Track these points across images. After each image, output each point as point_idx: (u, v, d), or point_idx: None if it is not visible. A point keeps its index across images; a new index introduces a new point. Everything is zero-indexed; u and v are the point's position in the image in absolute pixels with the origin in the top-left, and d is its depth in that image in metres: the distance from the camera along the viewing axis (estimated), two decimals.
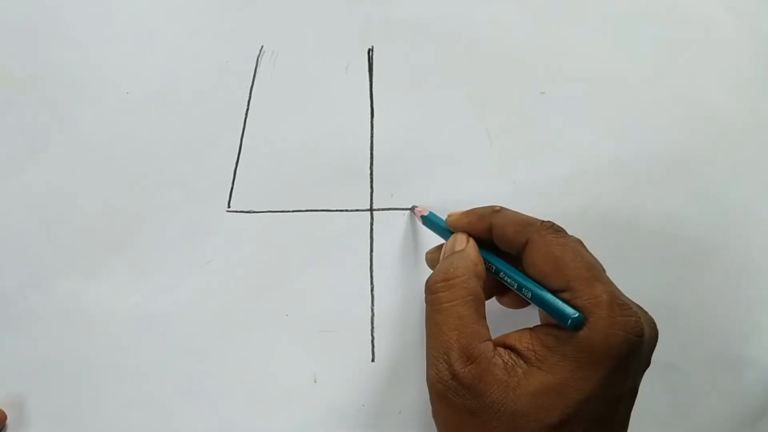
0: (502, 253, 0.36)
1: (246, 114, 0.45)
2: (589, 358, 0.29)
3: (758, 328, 0.43)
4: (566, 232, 0.34)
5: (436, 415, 0.33)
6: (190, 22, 0.46)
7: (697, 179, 0.44)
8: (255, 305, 0.43)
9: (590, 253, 0.33)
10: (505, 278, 0.35)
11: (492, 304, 0.37)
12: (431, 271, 0.35)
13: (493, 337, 0.33)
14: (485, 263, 0.36)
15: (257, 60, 0.45)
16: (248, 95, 0.45)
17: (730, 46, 0.45)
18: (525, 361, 0.31)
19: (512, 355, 0.31)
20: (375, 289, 0.43)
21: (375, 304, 0.43)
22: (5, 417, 0.43)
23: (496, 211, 0.36)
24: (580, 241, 0.34)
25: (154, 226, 0.44)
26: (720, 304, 0.43)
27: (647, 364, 0.32)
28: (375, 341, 0.43)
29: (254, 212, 0.44)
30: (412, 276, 0.43)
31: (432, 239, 0.43)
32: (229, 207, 0.44)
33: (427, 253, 0.40)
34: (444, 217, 0.39)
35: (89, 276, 0.44)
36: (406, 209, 0.44)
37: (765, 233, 0.43)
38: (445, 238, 0.38)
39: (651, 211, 0.43)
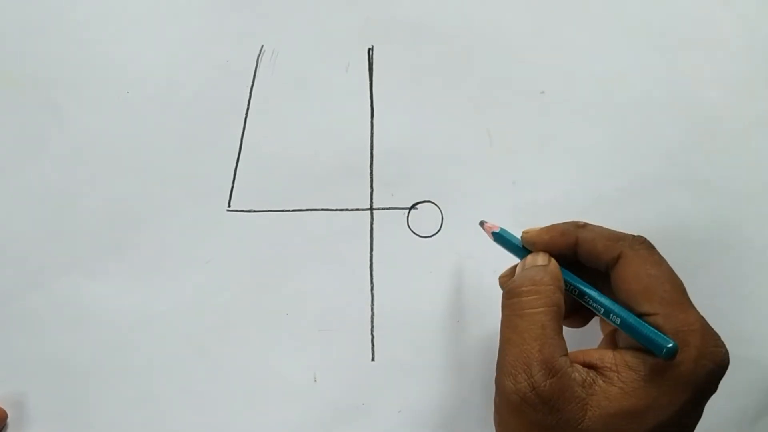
0: (582, 274, 0.34)
1: (246, 113, 0.45)
2: (675, 387, 0.29)
3: (758, 328, 0.43)
4: (656, 249, 0.33)
5: (505, 426, 0.32)
6: (190, 22, 0.46)
7: (697, 179, 0.44)
8: (255, 304, 0.43)
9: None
10: (591, 302, 0.33)
11: None
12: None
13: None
14: (567, 285, 0.34)
15: (257, 60, 0.45)
16: (248, 95, 0.45)
17: (730, 46, 0.45)
18: (604, 381, 0.30)
19: (590, 373, 0.30)
20: (375, 288, 0.43)
21: (375, 303, 0.43)
22: (6, 416, 0.43)
23: (581, 226, 0.35)
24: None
25: (154, 226, 0.44)
26: (720, 304, 0.43)
27: (715, 390, 0.31)
28: (375, 340, 0.43)
29: (254, 212, 0.44)
30: (413, 275, 0.43)
31: (433, 240, 0.43)
32: (229, 206, 0.44)
33: (500, 277, 0.37)
34: (517, 233, 0.37)
35: (89, 275, 0.44)
36: (406, 208, 0.44)
37: (765, 233, 0.43)
38: (520, 256, 0.37)
39: (651, 211, 0.43)
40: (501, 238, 0.38)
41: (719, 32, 0.45)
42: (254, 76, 0.45)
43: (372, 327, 0.43)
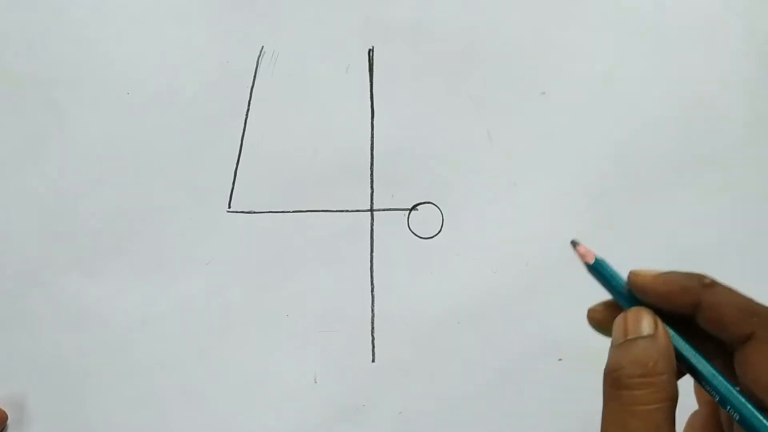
0: (693, 337, 0.29)
1: (246, 114, 0.45)
2: None
3: None
4: None
5: None
6: (191, 23, 0.46)
7: (697, 179, 0.44)
8: (255, 305, 0.43)
9: None
10: (705, 386, 0.28)
11: None
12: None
13: None
14: (677, 354, 0.28)
15: (258, 60, 0.45)
16: (249, 96, 0.45)
17: (730, 46, 0.45)
18: None
19: None
20: (375, 289, 0.43)
21: (375, 304, 0.43)
22: (6, 417, 0.43)
23: (707, 285, 0.28)
24: None
25: (155, 226, 0.44)
26: None
27: None
28: (375, 341, 0.43)
29: (254, 212, 0.44)
30: (413, 276, 0.43)
31: (434, 241, 0.43)
32: (229, 207, 0.44)
33: (590, 311, 0.31)
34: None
35: (90, 276, 0.44)
36: (406, 209, 0.44)
37: (765, 233, 0.43)
38: (619, 299, 0.29)
39: (651, 211, 0.43)
40: (599, 273, 0.30)
41: (719, 32, 0.45)
42: (254, 76, 0.45)
43: (372, 328, 0.43)
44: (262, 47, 0.45)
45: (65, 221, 0.44)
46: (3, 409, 0.43)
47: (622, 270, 0.29)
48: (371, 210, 0.44)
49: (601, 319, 0.30)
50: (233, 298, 0.43)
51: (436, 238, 0.43)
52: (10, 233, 0.45)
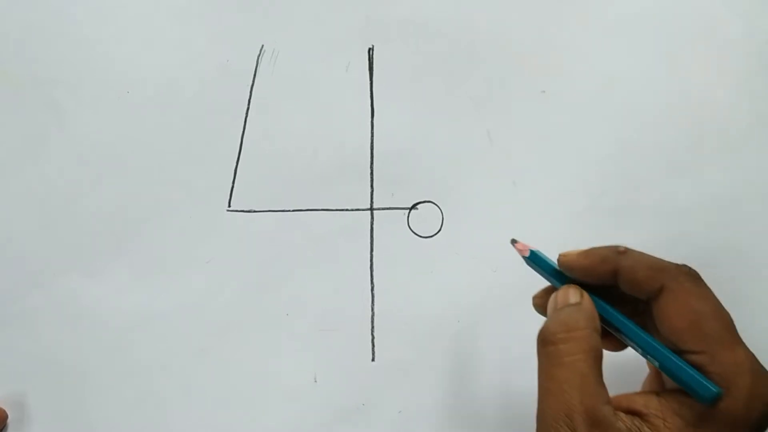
0: (615, 300, 0.33)
1: (246, 113, 0.45)
2: (727, 430, 0.28)
3: (758, 328, 0.43)
4: (703, 280, 0.31)
5: None
6: (191, 22, 0.46)
7: (698, 179, 0.44)
8: (255, 304, 0.43)
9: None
10: (628, 341, 0.32)
11: None
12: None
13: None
14: (603, 319, 0.32)
15: (258, 59, 0.45)
16: (249, 94, 0.45)
17: (730, 46, 0.45)
18: (651, 429, 0.28)
19: (635, 421, 0.29)
20: (375, 288, 0.43)
21: (375, 303, 0.43)
22: (6, 416, 0.43)
23: (621, 252, 0.32)
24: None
25: (155, 226, 0.44)
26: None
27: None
28: (375, 341, 0.43)
29: (254, 211, 0.44)
30: (413, 276, 0.43)
31: (434, 240, 0.43)
32: (229, 206, 0.44)
33: (534, 298, 0.36)
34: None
35: (90, 275, 0.44)
36: (406, 208, 0.44)
37: (765, 233, 0.43)
38: (553, 281, 0.35)
39: (651, 211, 0.43)
40: (534, 262, 0.36)
41: (719, 32, 0.45)
42: (254, 75, 0.45)
43: (372, 327, 0.43)
44: (262, 46, 0.45)
45: (65, 221, 0.44)
46: (3, 408, 0.43)
47: None
48: (371, 209, 0.44)
49: (543, 304, 0.35)
50: (233, 298, 0.43)
51: (436, 237, 0.43)
52: (10, 233, 0.45)
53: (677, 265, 0.31)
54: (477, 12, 0.45)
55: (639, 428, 0.29)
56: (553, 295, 0.34)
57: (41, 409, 0.43)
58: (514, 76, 0.45)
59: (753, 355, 0.29)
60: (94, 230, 0.44)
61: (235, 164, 0.44)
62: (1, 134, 0.45)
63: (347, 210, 0.44)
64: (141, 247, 0.44)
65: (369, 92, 0.45)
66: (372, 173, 0.44)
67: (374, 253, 0.43)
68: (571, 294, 0.32)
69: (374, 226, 0.44)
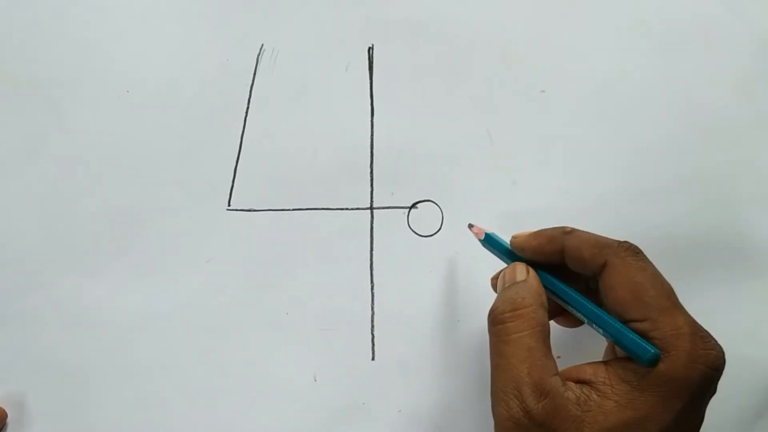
0: (567, 279, 0.34)
1: (246, 112, 0.45)
2: (670, 393, 0.29)
3: (758, 328, 0.43)
4: (644, 254, 0.33)
5: None
6: (191, 21, 0.46)
7: (698, 179, 0.44)
8: (255, 304, 0.43)
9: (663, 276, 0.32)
10: (575, 311, 0.33)
11: None
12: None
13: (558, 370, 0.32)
14: (552, 293, 0.34)
15: (257, 58, 0.45)
16: (248, 94, 0.45)
17: (730, 46, 0.45)
18: (599, 396, 0.30)
19: (584, 389, 0.30)
20: (375, 287, 0.43)
21: (375, 302, 0.43)
22: (6, 416, 0.43)
23: (567, 232, 0.34)
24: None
25: (155, 225, 0.44)
26: (720, 304, 0.43)
27: (714, 392, 0.31)
28: (375, 340, 0.43)
29: (254, 211, 0.44)
30: (413, 275, 0.43)
31: (434, 239, 0.43)
32: (229, 205, 0.44)
33: (492, 279, 0.39)
34: (502, 236, 0.38)
35: (90, 275, 0.44)
36: (406, 208, 0.44)
37: (765, 233, 0.43)
38: (508, 261, 0.37)
39: (651, 211, 0.43)
40: (489, 243, 0.38)
41: (719, 32, 0.45)
42: (254, 75, 0.45)
43: (372, 326, 0.43)
44: (262, 45, 0.46)
45: (66, 221, 0.44)
46: (3, 407, 0.43)
47: None
48: (371, 208, 0.44)
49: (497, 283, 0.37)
50: (233, 297, 0.43)
51: (436, 236, 0.43)
52: (10, 233, 0.45)
53: (619, 242, 0.33)
54: (477, 12, 0.46)
55: (588, 396, 0.30)
56: (501, 274, 0.36)
57: (41, 409, 0.43)
58: (514, 76, 0.45)
59: (694, 321, 0.30)
60: (94, 230, 0.44)
61: (235, 163, 0.45)
62: (1, 134, 0.45)
63: (347, 209, 0.44)
64: (141, 247, 0.44)
65: (369, 92, 0.45)
66: (372, 172, 0.44)
67: (374, 252, 0.43)
68: (518, 271, 0.35)
69: (374, 225, 0.44)
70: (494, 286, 0.38)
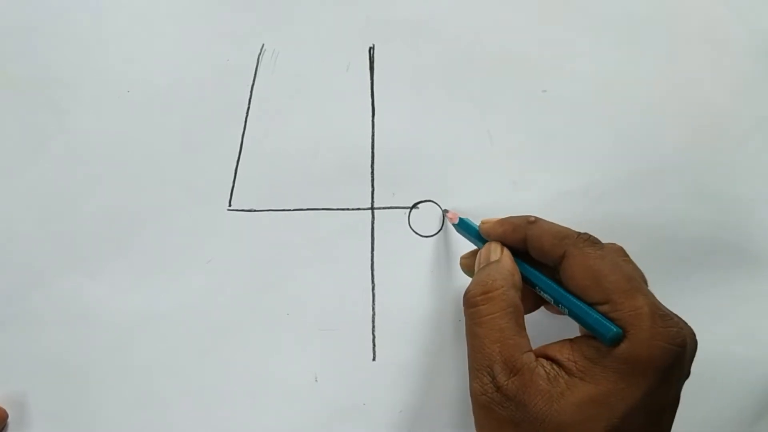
0: (540, 263, 0.35)
1: (247, 113, 0.45)
2: (633, 370, 0.30)
3: (758, 328, 0.43)
4: (603, 244, 0.34)
5: (480, 427, 0.33)
6: (191, 21, 0.46)
7: (698, 179, 0.44)
8: (256, 304, 0.43)
9: (631, 263, 0.34)
10: (542, 293, 0.35)
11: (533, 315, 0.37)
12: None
13: (533, 348, 0.33)
14: (522, 275, 0.35)
15: (258, 59, 0.45)
16: (249, 94, 0.45)
17: (730, 46, 0.45)
18: (567, 373, 0.31)
19: (554, 366, 0.31)
20: (376, 287, 0.43)
21: (376, 302, 0.43)
22: (7, 416, 0.43)
23: (531, 222, 0.36)
24: (620, 250, 0.34)
25: (155, 226, 0.44)
26: (719, 304, 0.43)
27: (687, 374, 0.32)
28: (376, 340, 0.43)
29: (255, 211, 0.44)
30: (414, 275, 0.43)
31: (434, 239, 0.43)
32: (229, 206, 0.44)
33: (461, 258, 0.41)
34: (477, 223, 0.39)
35: (90, 275, 0.44)
36: (407, 208, 0.44)
37: (765, 233, 0.43)
38: (479, 245, 0.38)
39: (652, 211, 0.43)
40: (461, 228, 0.40)
41: (720, 32, 0.45)
42: (255, 75, 0.45)
43: (373, 327, 0.43)
44: (263, 45, 0.45)
45: (66, 221, 0.44)
46: (3, 407, 0.43)
47: None
48: (372, 208, 0.44)
49: (469, 264, 0.40)
50: (233, 297, 0.43)
51: (436, 236, 0.43)
52: (11, 233, 0.45)
53: (578, 233, 0.34)
54: (477, 11, 0.46)
55: (557, 373, 0.31)
56: (478, 254, 0.37)
57: (41, 409, 0.43)
58: (515, 76, 0.45)
59: (655, 302, 0.31)
60: (94, 230, 0.44)
61: (235, 164, 0.44)
62: (1, 134, 0.45)
63: (348, 209, 0.44)
64: (141, 247, 0.44)
65: (369, 92, 0.45)
66: (373, 173, 0.44)
67: (375, 252, 0.43)
68: (493, 250, 0.36)
69: (375, 225, 0.44)
70: (464, 267, 0.40)
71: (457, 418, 0.42)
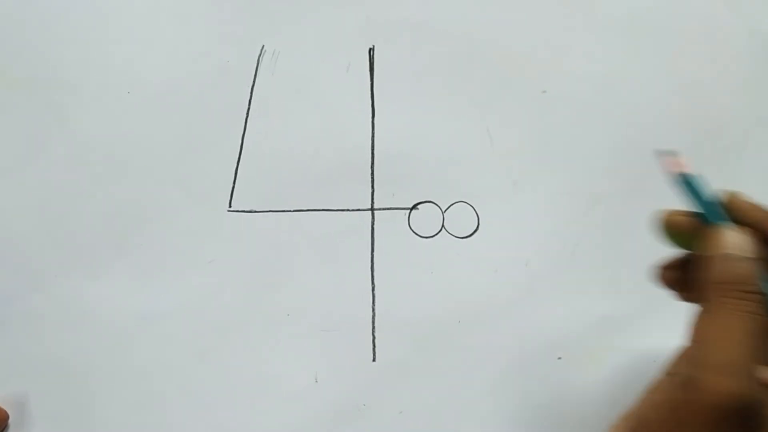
0: None
1: (247, 114, 0.45)
2: None
3: None
4: None
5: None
6: (191, 22, 0.46)
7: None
8: (256, 305, 0.43)
9: None
10: None
11: None
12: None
13: None
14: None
15: (258, 60, 0.45)
16: (249, 95, 0.45)
17: (730, 46, 0.45)
18: None
19: None
20: (376, 288, 0.43)
21: (376, 303, 0.43)
22: (7, 416, 0.43)
23: None
24: None
25: (156, 226, 0.44)
26: None
27: None
28: (376, 341, 0.43)
29: (255, 212, 0.44)
30: (414, 276, 0.43)
31: (434, 240, 0.43)
32: (230, 207, 0.44)
33: (670, 214, 0.32)
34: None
35: (91, 276, 0.44)
36: (407, 209, 0.44)
37: None
38: (705, 216, 0.30)
39: (651, 211, 0.43)
40: (691, 186, 0.31)
41: (720, 33, 0.45)
42: (255, 76, 0.45)
43: (373, 327, 0.43)
44: (263, 46, 0.45)
45: (67, 222, 0.44)
46: (4, 408, 0.43)
47: None
48: (372, 209, 0.44)
49: (681, 225, 0.31)
50: (234, 298, 0.43)
51: (436, 237, 0.43)
52: (11, 233, 0.45)
53: None
54: (478, 12, 0.45)
55: None
56: (722, 235, 0.29)
57: (42, 409, 0.43)
58: (515, 76, 0.45)
59: None
60: (95, 231, 0.44)
61: (235, 164, 0.44)
62: (2, 135, 0.45)
63: (348, 210, 0.44)
64: (142, 248, 0.44)
65: (370, 92, 0.45)
66: (373, 173, 0.44)
67: (375, 253, 0.43)
68: (748, 245, 0.28)
69: (375, 226, 0.44)
70: (672, 223, 0.32)
71: (457, 419, 0.42)
